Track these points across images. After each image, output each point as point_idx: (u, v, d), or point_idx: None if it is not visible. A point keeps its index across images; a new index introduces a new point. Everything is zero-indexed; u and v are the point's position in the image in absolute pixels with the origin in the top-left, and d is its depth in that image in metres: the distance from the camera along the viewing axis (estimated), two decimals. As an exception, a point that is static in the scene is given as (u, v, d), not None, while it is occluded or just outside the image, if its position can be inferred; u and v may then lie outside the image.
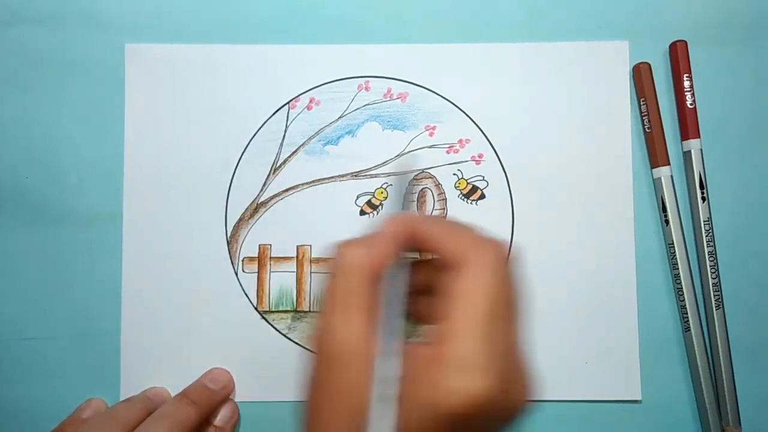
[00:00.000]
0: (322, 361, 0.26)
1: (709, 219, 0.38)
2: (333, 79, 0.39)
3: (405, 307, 0.27)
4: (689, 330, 0.37)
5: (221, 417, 0.37)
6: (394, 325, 0.26)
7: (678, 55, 0.38)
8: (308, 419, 0.26)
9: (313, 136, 0.39)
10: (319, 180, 0.39)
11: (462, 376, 0.23)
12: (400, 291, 0.27)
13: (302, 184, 0.39)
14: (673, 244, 0.37)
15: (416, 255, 0.34)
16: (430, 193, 0.39)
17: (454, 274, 0.26)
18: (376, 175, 0.39)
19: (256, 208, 0.39)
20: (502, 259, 0.26)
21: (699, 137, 0.38)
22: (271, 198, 0.39)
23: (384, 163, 0.39)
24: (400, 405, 0.24)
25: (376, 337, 0.25)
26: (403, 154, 0.39)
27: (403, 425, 0.23)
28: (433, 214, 0.39)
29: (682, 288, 0.37)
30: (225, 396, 0.37)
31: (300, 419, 0.27)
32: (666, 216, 0.38)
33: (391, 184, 0.39)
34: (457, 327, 0.24)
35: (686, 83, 0.38)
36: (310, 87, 0.39)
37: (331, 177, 0.39)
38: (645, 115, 0.38)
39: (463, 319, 0.24)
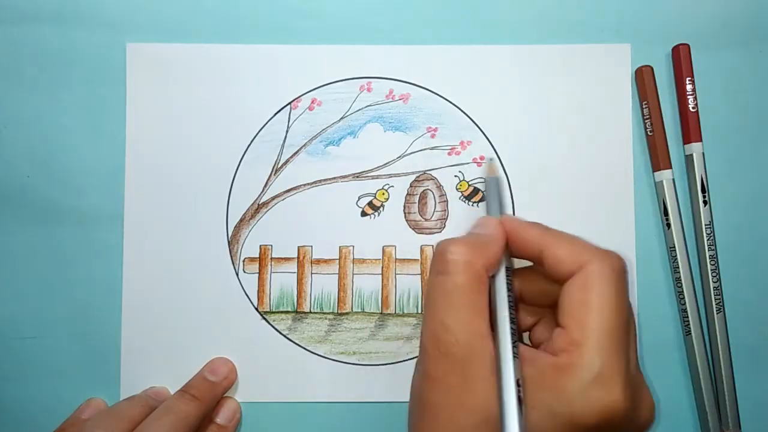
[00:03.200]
0: (439, 361, 0.25)
1: (711, 223, 0.38)
2: (335, 80, 0.39)
3: (515, 311, 0.27)
4: (690, 333, 0.37)
5: (223, 415, 0.37)
6: (508, 328, 0.26)
7: (680, 59, 0.38)
8: (428, 420, 0.25)
9: (314, 137, 0.39)
10: (320, 181, 0.39)
11: (596, 388, 0.23)
12: (509, 294, 0.27)
13: (304, 185, 0.39)
14: (674, 247, 0.38)
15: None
16: (431, 195, 0.39)
17: (573, 283, 0.25)
18: (377, 176, 0.39)
19: (257, 209, 0.39)
20: (618, 269, 0.26)
21: (701, 141, 0.38)
22: (273, 198, 0.39)
23: (385, 164, 0.39)
24: (529, 410, 0.24)
25: (493, 339, 0.25)
26: (404, 156, 0.39)
27: (536, 431, 0.23)
28: (434, 215, 0.39)
29: (683, 291, 0.37)
30: (227, 387, 0.37)
31: (415, 420, 0.26)
32: (667, 219, 0.38)
33: (393, 186, 0.39)
34: (586, 337, 0.24)
35: (688, 87, 0.38)
36: (312, 87, 0.39)
37: (333, 178, 0.39)
38: (647, 119, 0.38)
39: (594, 329, 0.24)
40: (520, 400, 0.24)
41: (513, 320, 0.27)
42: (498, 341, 0.25)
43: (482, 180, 0.39)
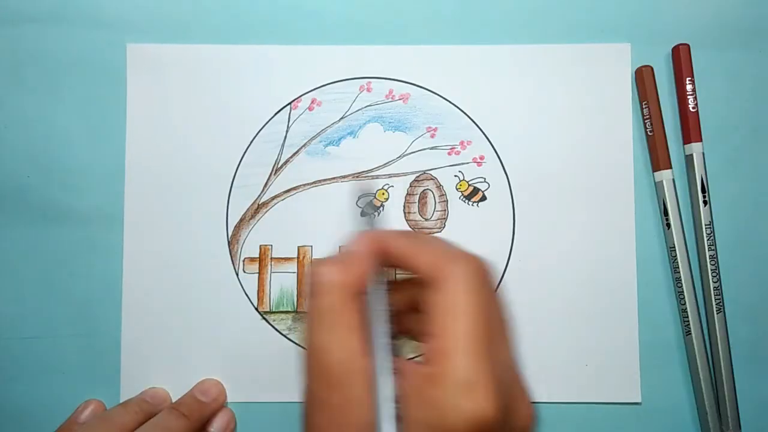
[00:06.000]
0: (320, 381, 0.25)
1: (711, 223, 0.38)
2: (335, 80, 0.39)
3: (391, 324, 0.27)
4: (690, 333, 0.37)
5: (218, 425, 0.37)
6: (384, 343, 0.25)
7: (680, 59, 0.38)
8: None
9: (314, 137, 0.39)
10: (320, 181, 0.39)
11: (464, 396, 0.23)
12: (383, 308, 0.27)
13: (303, 185, 0.39)
14: (674, 247, 0.37)
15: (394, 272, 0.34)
16: (432, 195, 0.39)
17: (432, 290, 0.25)
18: (377, 177, 0.39)
19: (257, 209, 0.39)
20: (479, 271, 0.25)
21: (701, 141, 0.38)
22: (273, 198, 0.39)
23: (385, 165, 0.39)
24: (407, 425, 0.23)
25: (370, 355, 0.25)
26: (404, 156, 0.39)
27: None
28: (434, 215, 0.39)
29: (683, 291, 0.37)
30: (216, 408, 0.37)
31: None
32: (667, 219, 0.38)
33: (393, 186, 0.39)
34: (447, 345, 0.24)
35: (688, 87, 0.38)
36: (312, 88, 0.39)
37: (333, 178, 0.39)
38: (647, 119, 0.38)
39: (452, 336, 0.24)
40: (398, 418, 0.23)
41: (392, 335, 0.26)
42: (374, 358, 0.25)
43: (482, 179, 0.39)
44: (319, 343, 0.25)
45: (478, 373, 0.23)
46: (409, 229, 0.39)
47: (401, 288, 0.30)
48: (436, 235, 0.39)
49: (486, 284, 0.25)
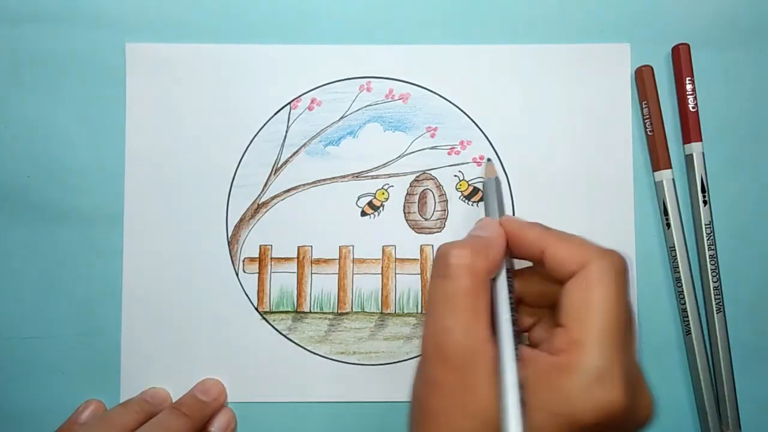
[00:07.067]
0: (442, 365, 0.25)
1: (711, 222, 0.38)
2: (334, 80, 0.39)
3: (515, 312, 0.27)
4: (690, 333, 0.37)
5: (218, 425, 0.37)
6: (509, 330, 0.26)
7: (680, 59, 0.38)
8: (429, 425, 0.25)
9: (314, 137, 0.39)
10: (320, 181, 0.39)
11: (597, 385, 0.23)
12: (509, 296, 0.27)
13: (303, 185, 0.39)
14: (674, 247, 0.37)
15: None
16: (431, 195, 0.39)
17: (574, 283, 0.25)
18: (377, 176, 0.39)
19: (257, 209, 0.39)
20: (620, 267, 0.26)
21: (701, 140, 0.38)
22: (272, 198, 0.39)
23: (385, 164, 0.39)
24: (530, 412, 0.24)
25: (496, 341, 0.25)
26: (404, 155, 0.39)
27: None
28: (434, 215, 0.39)
29: (683, 291, 0.37)
30: (217, 408, 0.37)
31: (415, 426, 0.26)
32: (667, 219, 0.38)
33: (393, 185, 0.39)
34: (587, 336, 0.24)
35: (688, 86, 0.38)
36: (312, 87, 0.39)
37: (333, 178, 0.39)
38: (647, 118, 0.38)
39: (595, 328, 0.24)
40: (522, 403, 0.24)
41: (514, 322, 0.27)
42: (499, 344, 0.25)
43: (482, 179, 0.39)
44: (444, 325, 0.25)
45: (613, 366, 0.24)
46: (410, 227, 0.39)
47: (523, 278, 0.30)
48: (442, 234, 0.39)
49: (624, 281, 0.26)
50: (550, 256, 0.27)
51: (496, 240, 0.28)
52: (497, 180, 0.34)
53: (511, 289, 0.28)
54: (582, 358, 0.24)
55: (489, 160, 0.38)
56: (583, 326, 0.24)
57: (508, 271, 0.28)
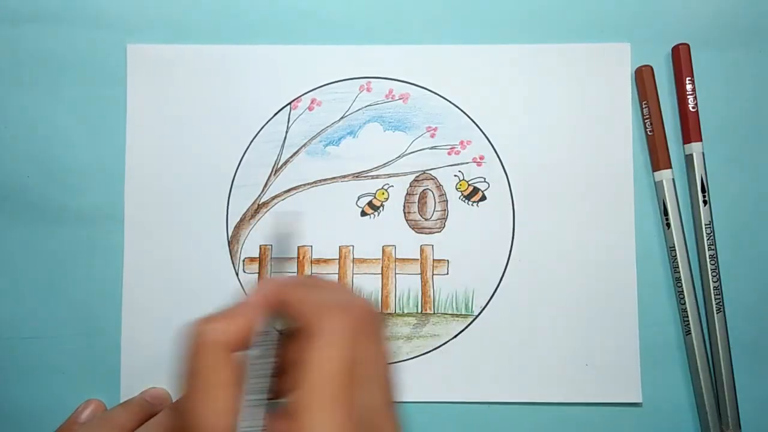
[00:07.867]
0: None
1: (711, 222, 0.38)
2: (334, 80, 0.39)
3: (270, 379, 0.26)
4: (690, 333, 0.37)
5: None
6: (254, 400, 0.25)
7: (680, 59, 0.38)
8: None
9: (314, 137, 0.39)
10: (320, 181, 0.39)
11: None
12: (266, 362, 0.26)
13: (303, 185, 0.39)
14: (674, 247, 0.37)
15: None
16: (431, 195, 0.39)
17: (306, 344, 0.25)
18: (377, 176, 0.39)
19: (257, 209, 0.39)
20: (355, 322, 0.25)
21: (701, 140, 0.38)
22: (273, 198, 0.39)
23: (385, 164, 0.39)
24: None
25: (239, 413, 0.25)
26: (404, 155, 0.39)
27: None
28: (434, 215, 0.39)
29: (682, 291, 0.37)
30: None
31: None
32: (667, 219, 0.38)
33: (393, 185, 0.39)
34: (306, 398, 0.23)
35: (688, 86, 0.38)
36: (312, 88, 0.39)
37: (333, 178, 0.39)
38: (647, 118, 0.38)
39: (311, 389, 0.24)
40: None
41: (270, 390, 0.26)
42: (242, 417, 0.25)
43: (482, 179, 0.39)
44: (187, 403, 0.25)
45: (327, 425, 0.23)
46: (409, 227, 0.39)
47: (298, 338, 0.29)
48: (442, 234, 0.39)
49: (360, 335, 0.25)
50: (297, 316, 0.26)
51: (250, 307, 0.27)
52: (289, 235, 0.33)
53: (271, 354, 0.27)
54: (303, 422, 0.23)
55: (287, 214, 0.38)
56: (304, 388, 0.24)
57: (272, 333, 0.27)
